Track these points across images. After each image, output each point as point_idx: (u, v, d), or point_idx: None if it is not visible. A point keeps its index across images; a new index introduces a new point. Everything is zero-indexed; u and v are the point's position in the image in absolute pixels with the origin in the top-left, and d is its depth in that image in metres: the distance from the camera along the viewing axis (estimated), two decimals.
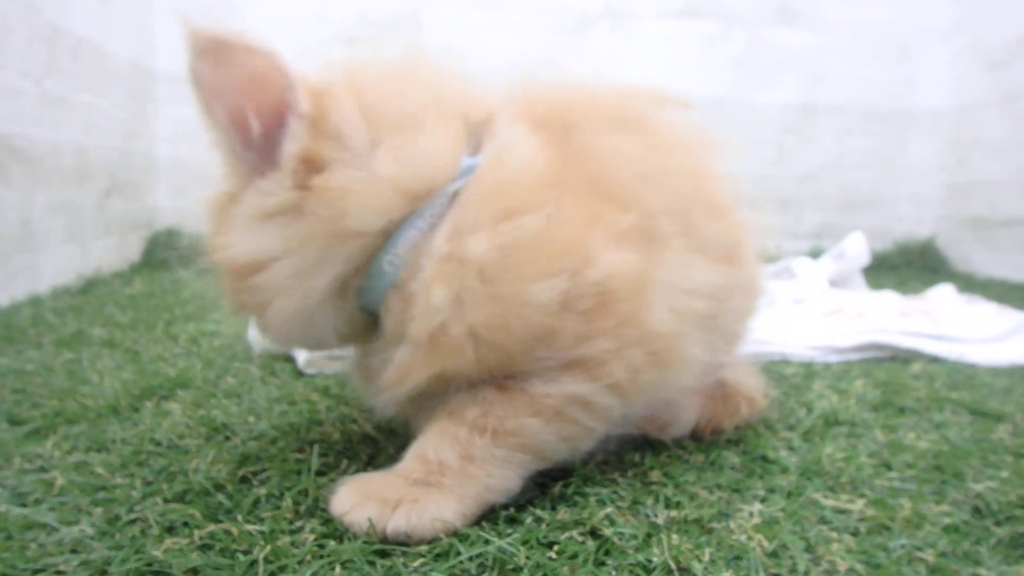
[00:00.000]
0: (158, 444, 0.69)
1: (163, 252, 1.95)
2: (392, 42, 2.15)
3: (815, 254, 2.01)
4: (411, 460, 0.57)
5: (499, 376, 0.57)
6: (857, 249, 1.66)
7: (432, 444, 0.56)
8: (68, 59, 1.49)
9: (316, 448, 0.67)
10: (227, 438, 0.72)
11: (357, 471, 0.63)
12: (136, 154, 1.86)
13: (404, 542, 0.52)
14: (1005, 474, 0.68)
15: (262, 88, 0.53)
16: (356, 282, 0.57)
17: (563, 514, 0.57)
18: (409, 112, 0.57)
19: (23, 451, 0.66)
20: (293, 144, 0.54)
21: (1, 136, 1.27)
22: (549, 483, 0.63)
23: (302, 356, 0.95)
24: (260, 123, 0.54)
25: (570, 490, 0.61)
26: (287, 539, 0.51)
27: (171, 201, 2.05)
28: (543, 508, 0.58)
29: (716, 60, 2.36)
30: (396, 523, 0.52)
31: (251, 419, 0.76)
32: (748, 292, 0.75)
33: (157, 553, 0.49)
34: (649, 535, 0.54)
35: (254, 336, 1.04)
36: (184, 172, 2.03)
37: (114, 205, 1.74)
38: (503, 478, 0.56)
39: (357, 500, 0.54)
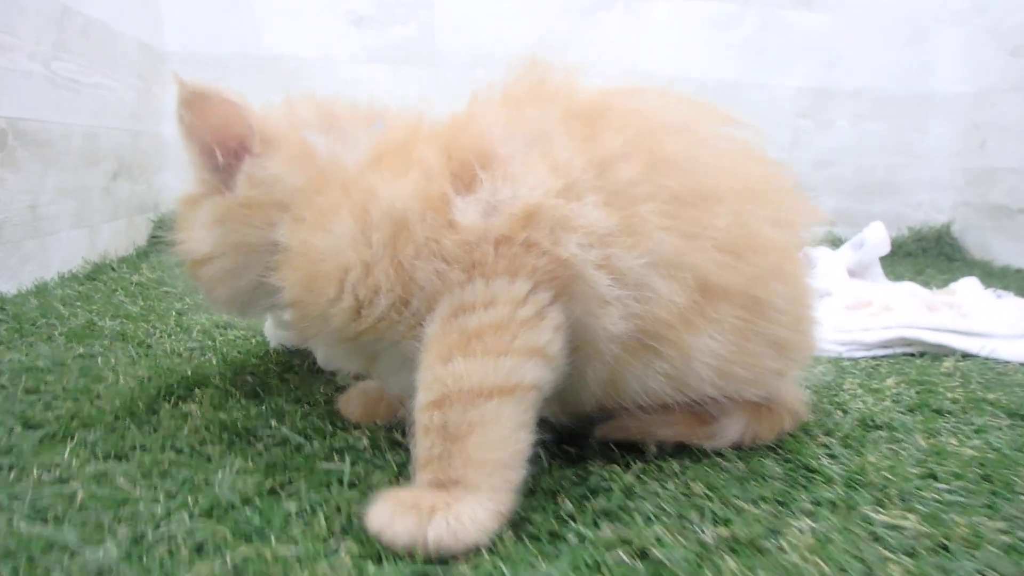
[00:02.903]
0: (179, 452, 0.66)
1: (170, 236, 1.91)
2: (403, 23, 2.10)
3: (830, 241, 1.98)
4: (420, 468, 0.56)
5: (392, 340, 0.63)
6: (877, 238, 1.63)
7: (418, 444, 0.56)
8: (78, 40, 1.45)
9: (346, 457, 0.65)
10: (250, 443, 0.69)
11: (389, 483, 0.61)
12: (145, 135, 1.82)
13: (447, 556, 0.50)
14: None
15: (229, 130, 0.68)
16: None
17: (607, 531, 0.54)
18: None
19: (40, 459, 0.63)
20: (244, 177, 0.68)
21: (10, 120, 1.23)
22: (588, 496, 0.60)
23: (320, 352, 0.92)
24: (224, 156, 0.69)
25: (612, 503, 0.59)
26: (324, 563, 0.49)
27: (178, 183, 2.01)
28: (585, 524, 0.56)
29: (730, 42, 2.31)
30: (436, 531, 0.50)
31: (273, 422, 0.74)
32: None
33: None
34: (701, 556, 0.52)
35: (270, 330, 1.01)
36: None
37: (121, 187, 1.71)
38: (504, 440, 0.56)
39: (393, 513, 0.52)
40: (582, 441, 0.71)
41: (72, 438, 0.69)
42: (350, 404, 0.77)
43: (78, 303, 1.23)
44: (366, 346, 0.66)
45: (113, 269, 1.57)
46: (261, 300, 0.79)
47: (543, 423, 0.60)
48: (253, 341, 1.05)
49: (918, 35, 2.37)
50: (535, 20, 2.17)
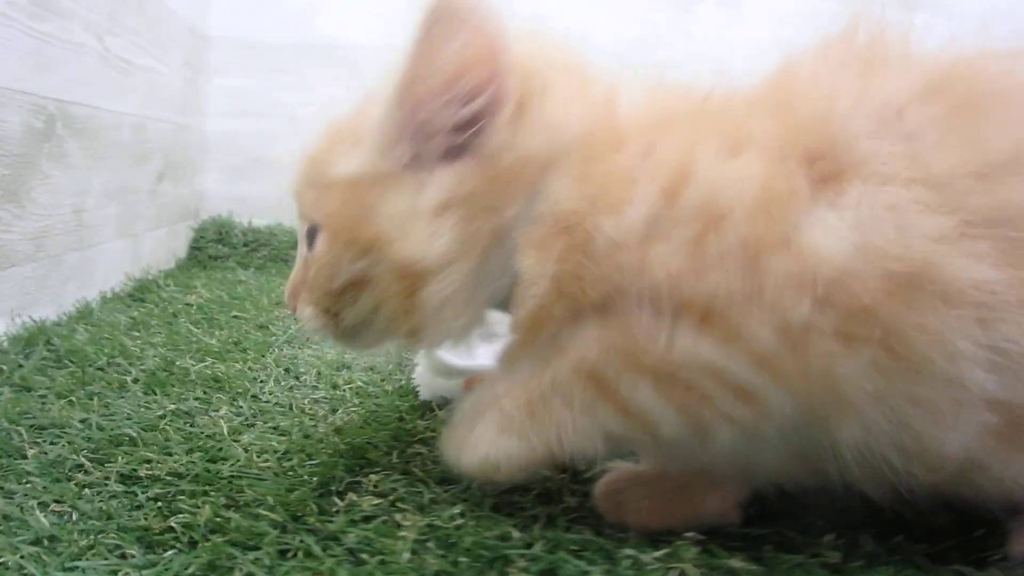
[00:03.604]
0: None
1: (213, 246, 1.66)
2: None
3: None
4: None
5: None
6: None
7: None
8: (132, 12, 1.18)
9: None
10: (505, 573, 0.44)
11: None
12: (191, 130, 1.56)
13: None
14: None
15: (477, 71, 0.46)
16: None
17: None
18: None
19: None
20: (501, 134, 0.47)
21: (60, 103, 0.97)
22: None
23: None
24: (474, 105, 0.47)
25: None
26: None
27: (221, 186, 1.75)
28: None
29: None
30: None
31: (512, 530, 0.49)
32: None
33: None
34: None
35: (422, 376, 0.76)
36: (236, 153, 1.73)
37: (166, 191, 1.45)
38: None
39: None
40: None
41: (228, 572, 0.43)
42: (624, 502, 0.52)
43: (137, 335, 0.97)
44: None
45: (159, 286, 1.31)
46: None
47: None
48: (389, 389, 0.80)
49: None
50: (623, 13, 1.94)
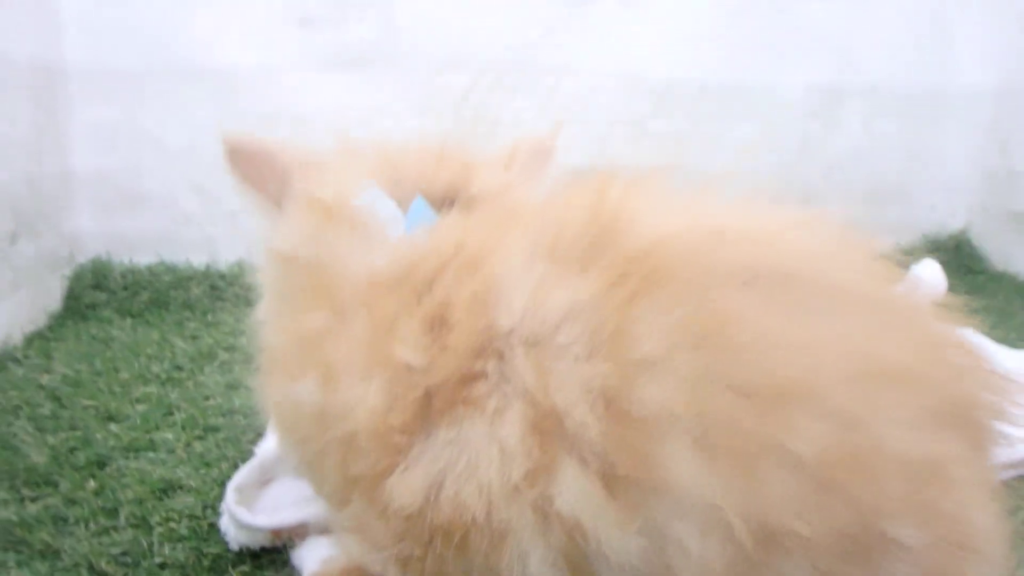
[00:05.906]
0: None
1: (90, 293, 1.58)
2: (358, 22, 1.78)
3: None
4: None
5: None
6: (934, 278, 1.41)
7: None
8: None
9: None
10: None
11: None
12: (48, 176, 1.47)
13: None
14: None
15: (273, 180, 0.58)
16: None
17: None
18: None
19: None
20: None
21: None
22: None
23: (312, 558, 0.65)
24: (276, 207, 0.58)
25: None
26: None
27: (96, 225, 1.67)
28: None
29: (736, 38, 2.04)
30: None
31: None
32: None
33: None
34: None
35: (227, 525, 0.72)
36: (108, 189, 1.66)
37: (24, 250, 1.38)
38: None
39: None
40: None
41: None
42: None
43: None
44: None
45: (17, 360, 1.25)
46: None
47: None
48: (206, 526, 0.76)
49: (938, 26, 2.14)
50: (515, 12, 1.87)
